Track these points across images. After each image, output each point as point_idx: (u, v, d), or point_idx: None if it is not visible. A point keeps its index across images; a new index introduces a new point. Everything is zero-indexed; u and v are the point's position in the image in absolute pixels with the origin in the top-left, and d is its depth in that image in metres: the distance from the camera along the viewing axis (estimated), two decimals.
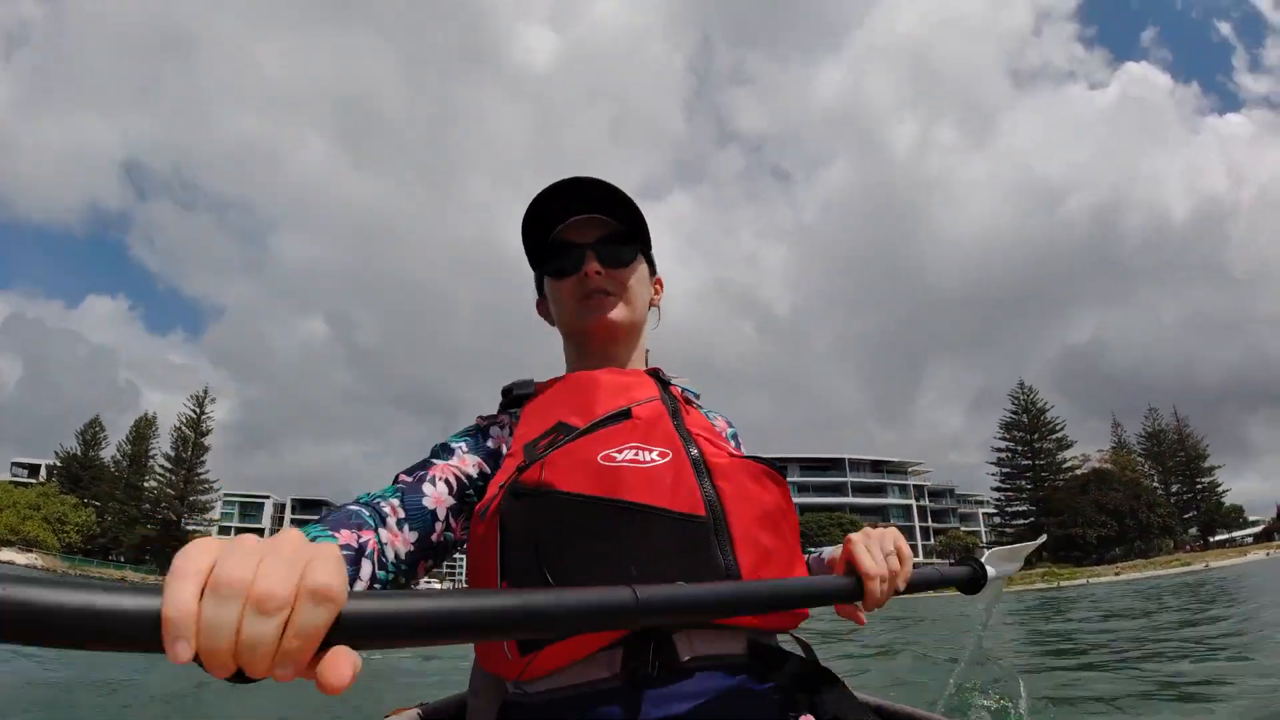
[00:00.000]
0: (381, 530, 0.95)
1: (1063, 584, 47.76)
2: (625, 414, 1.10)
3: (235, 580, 0.45)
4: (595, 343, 1.28)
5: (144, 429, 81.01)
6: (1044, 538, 1.66)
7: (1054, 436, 75.73)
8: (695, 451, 1.08)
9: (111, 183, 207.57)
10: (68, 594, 0.42)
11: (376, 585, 0.92)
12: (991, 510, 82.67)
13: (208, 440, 79.88)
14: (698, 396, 1.33)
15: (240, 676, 0.49)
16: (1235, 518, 76.40)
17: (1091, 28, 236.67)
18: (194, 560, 0.46)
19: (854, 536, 1.02)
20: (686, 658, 0.95)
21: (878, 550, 0.99)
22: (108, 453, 79.58)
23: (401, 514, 1.00)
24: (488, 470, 1.15)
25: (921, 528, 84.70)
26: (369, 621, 0.48)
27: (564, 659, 0.94)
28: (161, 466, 78.96)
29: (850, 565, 0.98)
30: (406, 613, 0.50)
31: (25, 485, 75.32)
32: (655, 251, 1.36)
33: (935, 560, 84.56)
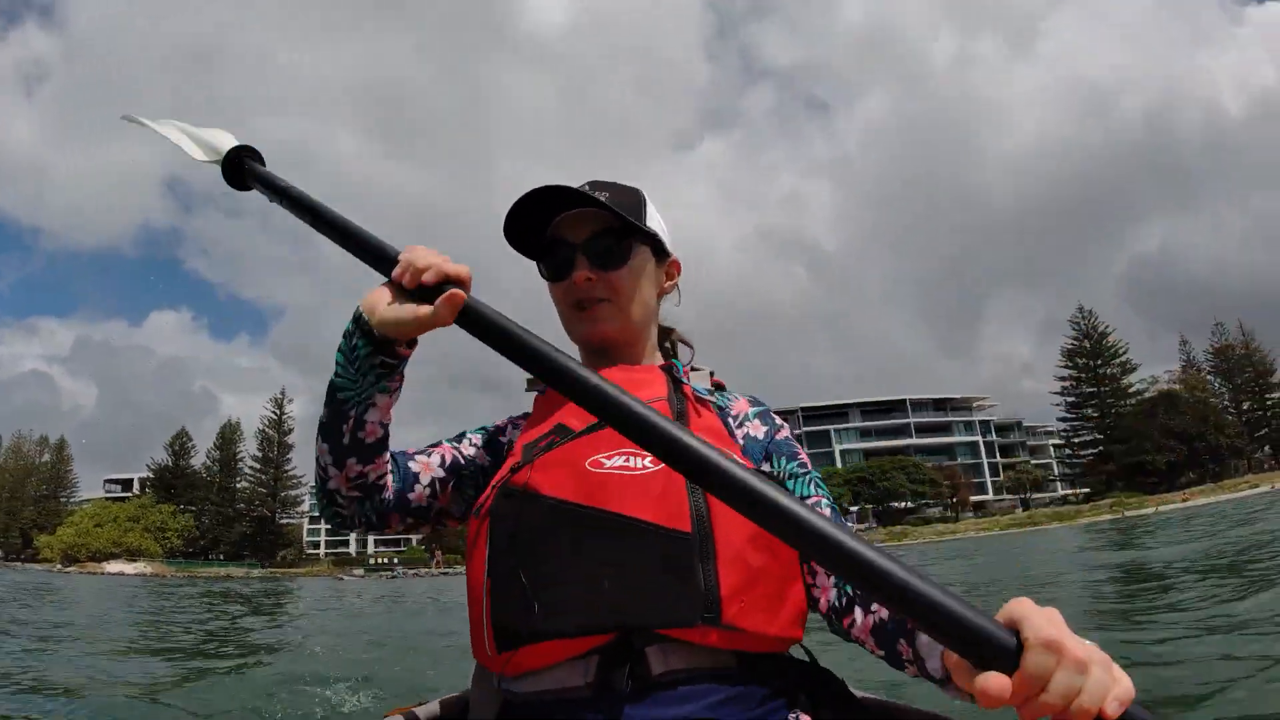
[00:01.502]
0: (394, 472, 1.12)
1: (1127, 513, 47.96)
2: None
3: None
4: (593, 348, 1.26)
5: (229, 434, 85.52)
6: None
7: (1117, 361, 74.52)
8: None
9: (155, 200, 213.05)
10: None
11: (370, 497, 1.09)
12: (1060, 442, 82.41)
13: (290, 438, 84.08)
14: (719, 390, 1.28)
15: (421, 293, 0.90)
16: None
17: None
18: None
19: (1026, 601, 0.64)
20: (659, 671, 0.93)
21: (1075, 643, 0.61)
22: (197, 460, 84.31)
23: (389, 466, 1.10)
24: (487, 461, 1.22)
25: (990, 464, 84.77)
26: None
27: (540, 661, 0.96)
28: (251, 467, 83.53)
29: (1012, 622, 0.63)
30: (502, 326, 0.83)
31: (121, 500, 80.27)
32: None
33: (1005, 496, 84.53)
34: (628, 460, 1.02)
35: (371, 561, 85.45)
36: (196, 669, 7.14)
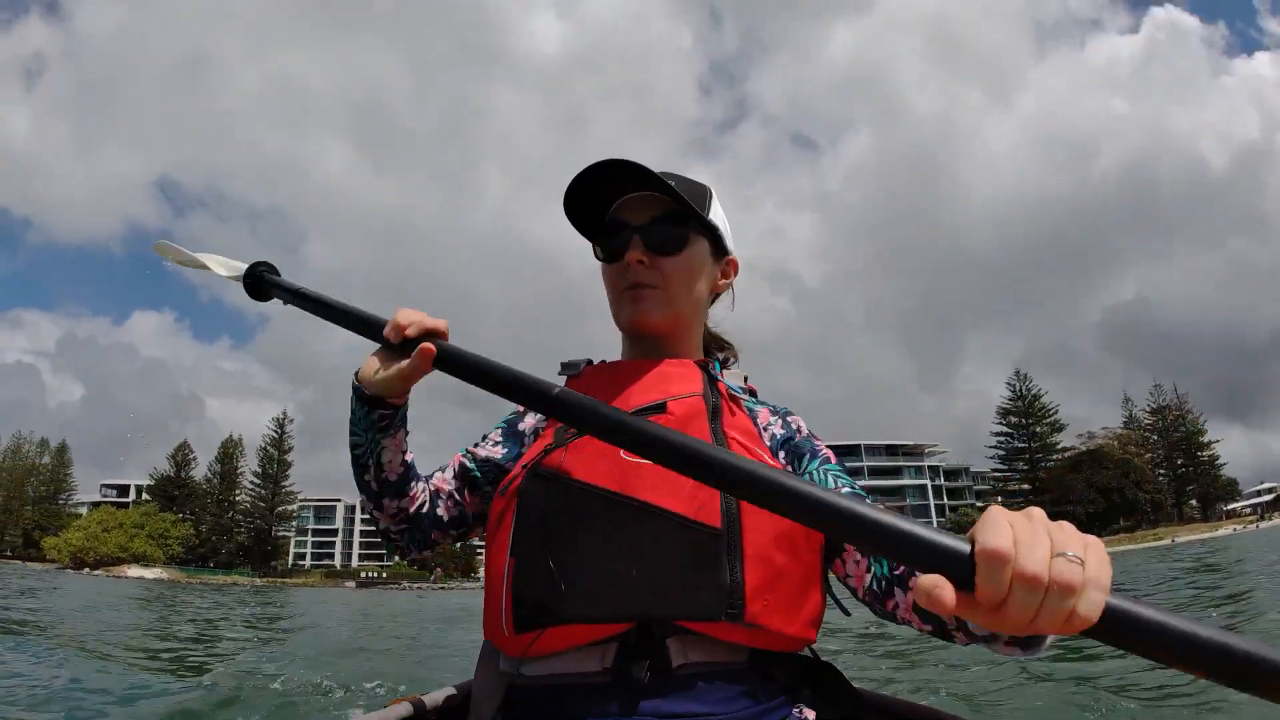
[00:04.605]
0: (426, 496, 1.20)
1: None
2: (660, 408, 1.07)
3: None
4: (637, 335, 1.24)
5: (230, 449, 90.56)
6: None
7: (1047, 421, 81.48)
8: None
9: (146, 201, 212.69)
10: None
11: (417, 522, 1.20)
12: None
13: (290, 455, 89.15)
14: (751, 394, 1.26)
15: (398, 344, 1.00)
16: (1230, 491, 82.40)
17: None
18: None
19: (999, 509, 0.59)
20: (678, 663, 0.94)
21: (1033, 533, 0.56)
22: (197, 472, 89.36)
23: (425, 494, 1.18)
24: (503, 454, 1.24)
25: (937, 505, 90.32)
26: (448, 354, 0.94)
27: (558, 644, 0.95)
28: (251, 483, 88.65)
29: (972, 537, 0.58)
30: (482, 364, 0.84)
31: (122, 506, 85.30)
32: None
33: None
34: None
35: (363, 575, 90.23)
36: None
